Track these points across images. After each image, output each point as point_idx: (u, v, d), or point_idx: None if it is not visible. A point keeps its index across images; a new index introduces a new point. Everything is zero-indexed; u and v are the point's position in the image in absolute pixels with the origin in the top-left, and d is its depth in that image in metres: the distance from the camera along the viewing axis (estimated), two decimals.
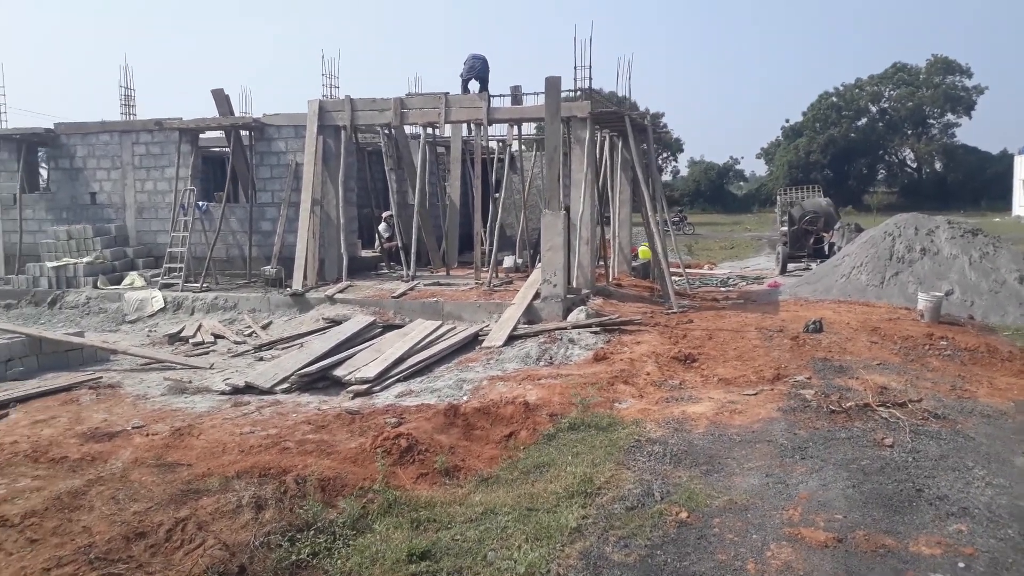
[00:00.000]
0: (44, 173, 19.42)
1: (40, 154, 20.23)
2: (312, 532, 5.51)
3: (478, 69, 15.32)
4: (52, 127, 17.95)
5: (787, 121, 69.23)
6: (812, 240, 21.16)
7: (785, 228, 22.02)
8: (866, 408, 7.53)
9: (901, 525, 5.07)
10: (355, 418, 8.12)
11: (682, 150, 71.78)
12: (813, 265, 20.18)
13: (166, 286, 15.74)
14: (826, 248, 20.78)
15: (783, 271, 20.87)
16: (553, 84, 12.91)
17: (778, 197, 24.96)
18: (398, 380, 9.74)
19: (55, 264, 16.27)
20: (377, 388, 9.39)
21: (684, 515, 5.28)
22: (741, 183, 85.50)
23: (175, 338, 13.09)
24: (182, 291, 15.40)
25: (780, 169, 64.33)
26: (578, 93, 14.41)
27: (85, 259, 16.34)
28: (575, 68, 14.11)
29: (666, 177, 73.22)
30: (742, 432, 7.12)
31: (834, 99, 66.32)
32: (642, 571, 4.62)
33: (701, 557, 4.73)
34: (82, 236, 16.82)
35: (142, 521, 5.76)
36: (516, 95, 15.18)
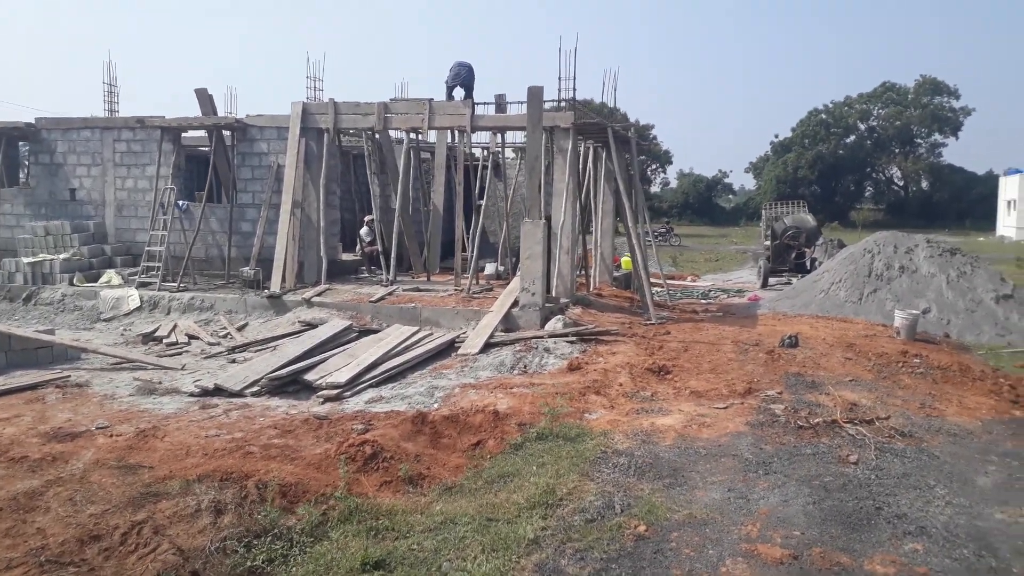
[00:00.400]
0: (24, 168, 19.21)
1: (23, 148, 20.07)
2: (269, 538, 5.46)
3: (463, 76, 15.31)
4: (33, 121, 17.81)
5: (776, 136, 69.75)
6: (794, 255, 21.25)
7: (768, 242, 22.12)
8: (834, 424, 7.55)
9: (858, 543, 5.06)
10: (323, 424, 8.06)
11: (671, 162, 72.16)
12: (794, 280, 20.25)
13: (143, 285, 15.61)
14: (808, 263, 20.87)
15: (764, 285, 20.94)
16: (535, 94, 12.92)
17: (763, 211, 25.04)
18: (370, 386, 9.67)
19: (31, 260, 16.11)
20: (348, 393, 9.32)
21: (642, 528, 5.26)
22: (730, 196, 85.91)
23: (149, 338, 12.98)
24: (159, 290, 15.27)
25: (768, 184, 64.69)
26: (562, 104, 14.43)
27: (62, 255, 16.19)
28: (559, 79, 14.16)
29: (655, 188, 73.51)
30: (708, 445, 7.11)
31: (823, 116, 66.83)
32: None
33: (655, 572, 4.71)
34: (60, 232, 16.67)
35: (98, 524, 5.68)
36: (500, 103, 15.18)
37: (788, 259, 21.37)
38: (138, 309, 14.86)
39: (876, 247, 15.78)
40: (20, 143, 18.77)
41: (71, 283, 15.83)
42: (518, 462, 6.78)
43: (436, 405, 8.73)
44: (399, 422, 7.76)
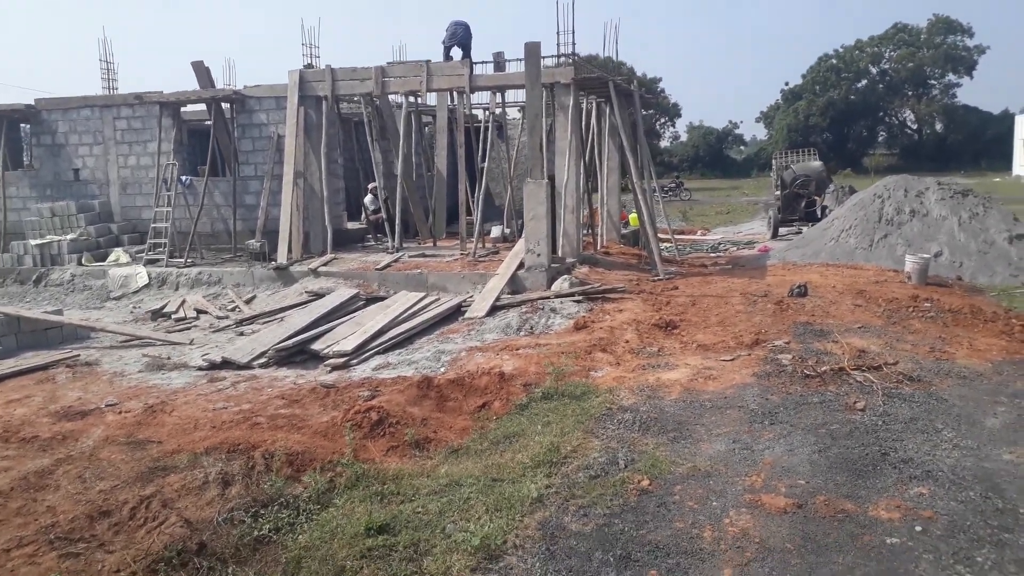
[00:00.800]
0: (27, 150, 19.19)
1: (24, 130, 20.03)
2: (276, 507, 5.49)
3: (460, 36, 15.05)
4: (33, 103, 17.74)
5: (786, 84, 68.44)
6: (804, 204, 20.97)
7: (778, 192, 21.83)
8: (841, 372, 7.48)
9: (863, 489, 5.03)
10: (329, 392, 8.09)
11: (680, 115, 71.09)
12: (804, 229, 20.02)
13: (151, 262, 15.66)
14: (818, 212, 20.59)
15: (774, 235, 20.72)
16: (532, 50, 12.69)
17: (774, 161, 24.66)
18: (377, 353, 9.68)
19: (39, 242, 16.18)
20: (355, 361, 9.34)
21: (646, 483, 5.24)
22: (741, 147, 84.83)
23: (158, 314, 13.04)
24: (166, 267, 15.32)
25: (779, 133, 63.72)
26: (562, 59, 14.18)
27: (69, 236, 16.24)
28: (558, 33, 13.89)
29: (664, 143, 72.67)
30: (714, 398, 7.07)
31: (833, 61, 65.44)
32: (598, 540, 4.58)
33: (658, 525, 4.70)
34: (66, 213, 16.70)
35: (107, 500, 5.74)
36: (499, 62, 14.97)
37: (798, 208, 21.10)
38: (147, 286, 14.92)
39: (886, 192, 15.53)
40: (22, 125, 18.69)
41: (79, 263, 15.90)
42: (523, 422, 6.78)
43: (443, 369, 8.73)
44: (405, 387, 7.77)
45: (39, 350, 10.65)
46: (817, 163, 22.60)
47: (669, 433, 6.25)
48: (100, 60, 17.56)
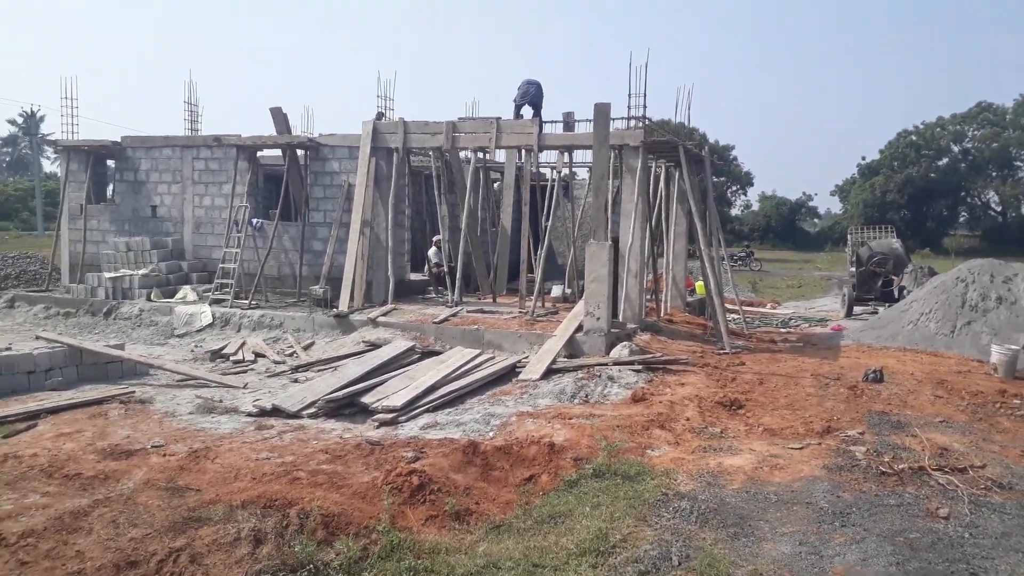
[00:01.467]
0: (111, 185, 19.90)
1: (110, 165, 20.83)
2: (305, 573, 5.23)
3: (532, 95, 15.08)
4: (119, 140, 18.44)
5: (863, 159, 67.17)
6: (880, 283, 20.13)
7: (853, 269, 21.06)
8: (921, 472, 6.88)
9: None
10: (374, 449, 7.84)
11: (752, 184, 70.24)
12: (881, 309, 19.17)
13: (216, 301, 15.88)
14: (895, 292, 19.72)
15: (848, 314, 19.90)
16: (602, 111, 12.56)
17: (849, 236, 23.87)
18: (426, 410, 9.43)
19: (112, 275, 16.61)
20: (403, 418, 9.10)
21: None
22: (815, 220, 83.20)
23: (217, 355, 13.11)
24: (231, 307, 15.49)
25: (855, 208, 62.28)
26: (632, 121, 14.03)
27: (141, 271, 16.63)
28: (629, 96, 13.76)
29: (735, 211, 71.81)
30: (780, 491, 6.56)
31: (913, 138, 64.00)
32: None
33: None
34: (140, 248, 17.15)
35: (136, 549, 5.57)
36: (568, 122, 14.88)
37: (874, 287, 20.26)
38: (210, 325, 15.09)
39: (970, 276, 14.73)
40: (108, 161, 19.45)
41: (148, 298, 16.23)
42: (571, 501, 6.38)
43: (491, 434, 8.41)
44: (450, 451, 7.47)
45: (98, 383, 10.75)
46: (895, 241, 21.76)
47: (729, 528, 5.77)
48: (185, 102, 18.24)
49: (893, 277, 20.10)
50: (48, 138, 61.10)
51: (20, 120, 78.30)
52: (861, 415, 9.08)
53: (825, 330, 17.90)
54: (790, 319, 20.37)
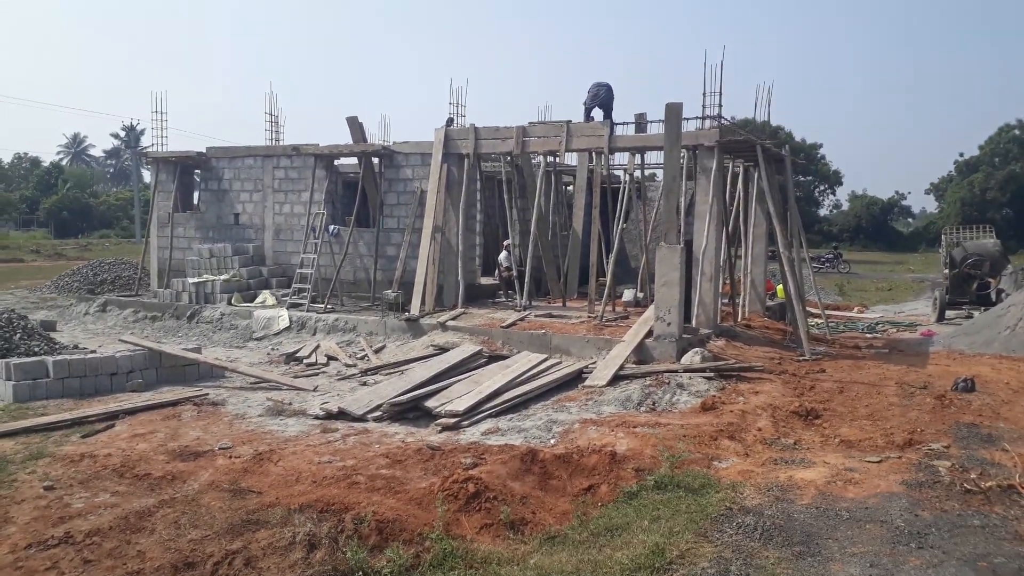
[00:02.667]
0: (196, 194, 20.67)
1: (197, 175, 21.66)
2: None
3: (602, 97, 14.89)
4: (204, 151, 19.14)
5: (961, 155, 63.94)
6: (975, 286, 19.00)
7: (947, 271, 19.97)
8: (1011, 490, 6.37)
9: None
10: (434, 455, 7.81)
11: (841, 183, 67.78)
12: (976, 313, 18.10)
13: (294, 306, 16.25)
14: (992, 295, 18.59)
15: (940, 318, 18.87)
16: (673, 110, 12.25)
17: (943, 237, 22.65)
18: (489, 415, 9.36)
19: (196, 280, 17.23)
20: (466, 423, 9.05)
21: None
22: (909, 220, 79.72)
23: (291, 357, 13.40)
24: (307, 311, 15.83)
25: (952, 207, 59.29)
26: (707, 121, 13.66)
27: (223, 277, 17.19)
28: (704, 95, 13.40)
29: (823, 211, 69.49)
30: (853, 507, 6.18)
31: (1016, 132, 60.49)
32: None
33: None
34: (222, 255, 17.74)
35: (194, 551, 5.66)
36: (640, 123, 14.65)
37: (969, 290, 19.14)
38: (287, 329, 15.45)
39: None
40: (194, 171, 20.22)
41: (229, 303, 16.76)
42: (630, 513, 6.18)
43: (552, 441, 8.26)
44: (509, 458, 7.35)
45: (176, 385, 11.12)
46: (992, 241, 20.51)
47: (795, 546, 5.46)
48: (266, 112, 18.76)
49: (990, 279, 18.96)
50: (146, 150, 64.31)
51: (123, 134, 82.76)
52: (948, 427, 8.53)
53: (914, 335, 17.03)
54: (877, 324, 19.47)
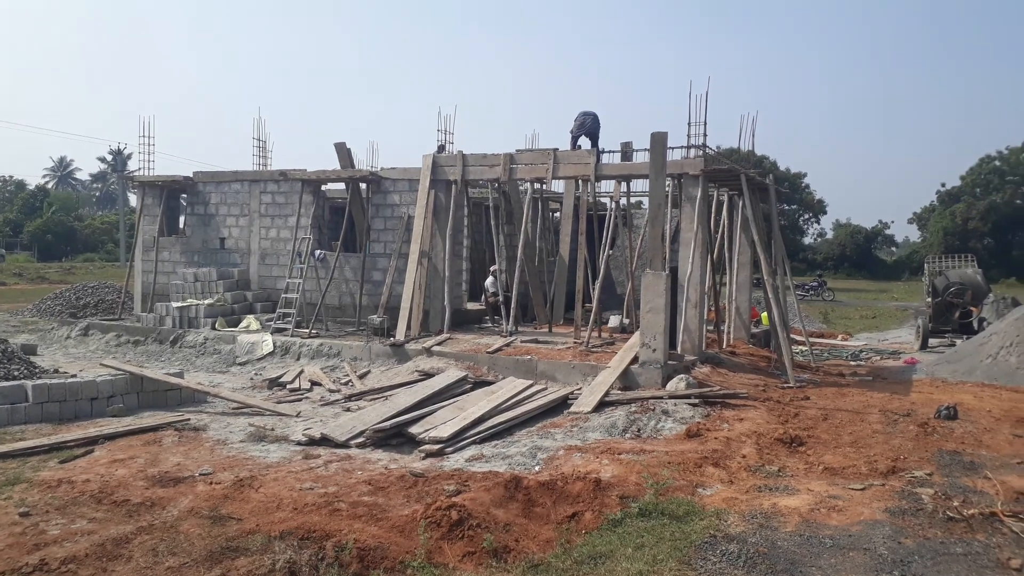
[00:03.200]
0: (182, 218, 20.60)
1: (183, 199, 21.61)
2: None
3: (588, 125, 15.05)
4: (191, 175, 19.12)
5: (943, 185, 64.78)
6: (958, 314, 19.17)
7: (929, 299, 20.14)
8: (993, 517, 6.39)
9: None
10: (417, 481, 7.75)
11: (825, 212, 68.48)
12: (958, 342, 18.24)
13: (278, 330, 16.17)
14: (974, 324, 18.76)
15: (923, 346, 18.99)
16: (658, 140, 12.38)
17: (926, 265, 22.86)
18: (473, 442, 9.31)
19: (180, 304, 17.12)
20: (450, 449, 9.00)
21: None
22: (892, 249, 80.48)
23: (274, 383, 13.30)
24: (292, 336, 15.75)
25: (935, 236, 59.99)
26: (691, 150, 13.80)
27: (207, 301, 17.09)
28: (689, 124, 13.56)
29: (808, 239, 70.12)
30: (837, 535, 6.17)
31: (997, 163, 61.43)
32: None
33: None
34: (207, 279, 17.66)
35: None
36: (626, 151, 14.76)
37: (951, 319, 19.31)
38: (271, 354, 15.35)
39: None
40: (181, 195, 20.18)
41: (213, 327, 16.65)
42: (614, 541, 6.14)
43: (537, 468, 8.22)
44: (492, 485, 7.30)
45: (158, 410, 11.01)
46: (974, 270, 20.73)
47: (778, 574, 5.45)
48: (254, 137, 18.80)
49: (972, 308, 19.14)
50: (132, 174, 64.20)
51: (109, 158, 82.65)
52: (931, 455, 8.56)
53: (898, 363, 17.12)
54: (861, 351, 19.57)
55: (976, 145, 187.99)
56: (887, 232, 73.43)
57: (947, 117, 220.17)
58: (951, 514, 6.50)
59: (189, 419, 10.33)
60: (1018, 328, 14.10)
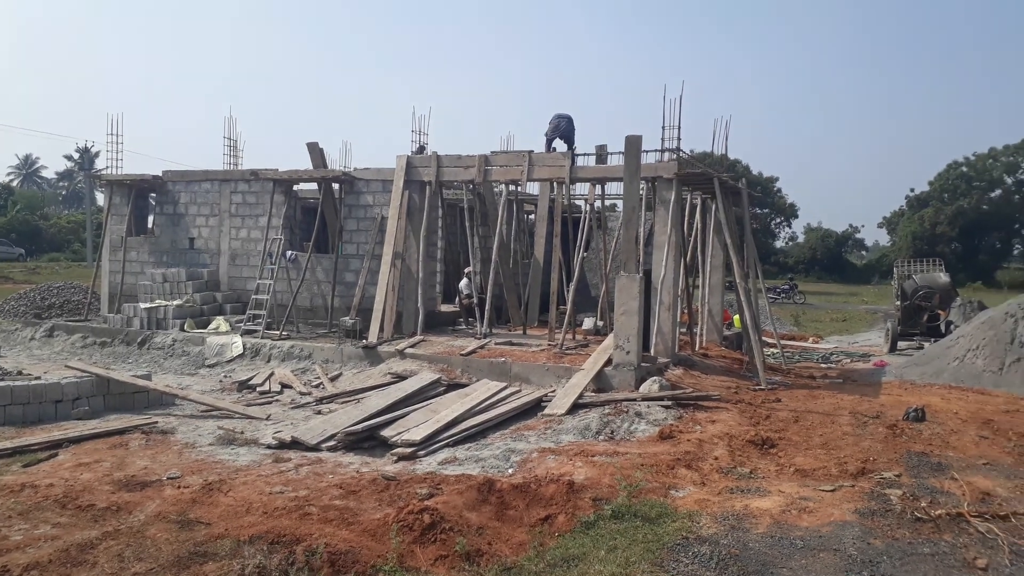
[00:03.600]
0: (151, 217, 20.30)
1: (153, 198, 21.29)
2: None
3: (563, 128, 15.07)
4: (160, 174, 18.85)
5: (912, 190, 65.79)
6: (926, 317, 19.48)
7: (898, 303, 20.44)
8: (960, 518, 6.47)
9: None
10: (390, 485, 7.69)
11: (797, 215, 69.31)
12: (926, 345, 18.52)
13: (248, 332, 15.97)
14: (942, 327, 19.07)
15: (892, 349, 19.26)
16: (633, 143, 12.42)
17: (895, 269, 23.20)
18: (446, 445, 9.26)
19: (148, 305, 16.85)
20: (422, 452, 8.94)
21: None
22: (862, 252, 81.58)
23: (244, 385, 13.14)
24: (262, 338, 15.57)
25: (903, 240, 60.92)
26: (666, 154, 13.87)
27: (175, 302, 16.85)
28: (663, 128, 13.63)
29: (779, 243, 70.88)
30: (807, 536, 6.22)
31: (964, 169, 62.51)
32: None
33: None
34: (176, 279, 17.41)
35: None
36: (600, 154, 14.79)
37: (920, 322, 19.61)
38: (240, 356, 15.16)
39: (1020, 311, 14.12)
40: (150, 194, 19.88)
41: (182, 329, 16.41)
42: (587, 543, 6.13)
43: (510, 470, 8.19)
44: (465, 488, 7.26)
45: (125, 413, 10.82)
46: (942, 275, 21.08)
47: (750, 575, 5.46)
48: (225, 136, 18.58)
49: (939, 311, 19.46)
50: (100, 173, 63.20)
51: (76, 156, 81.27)
52: (899, 456, 8.66)
53: (867, 366, 17.35)
54: (831, 354, 19.80)
55: (944, 151, 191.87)
56: (857, 236, 74.58)
57: (916, 124, 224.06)
58: (919, 515, 6.58)
59: (157, 422, 10.16)
60: (984, 331, 14.33)
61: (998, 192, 61.86)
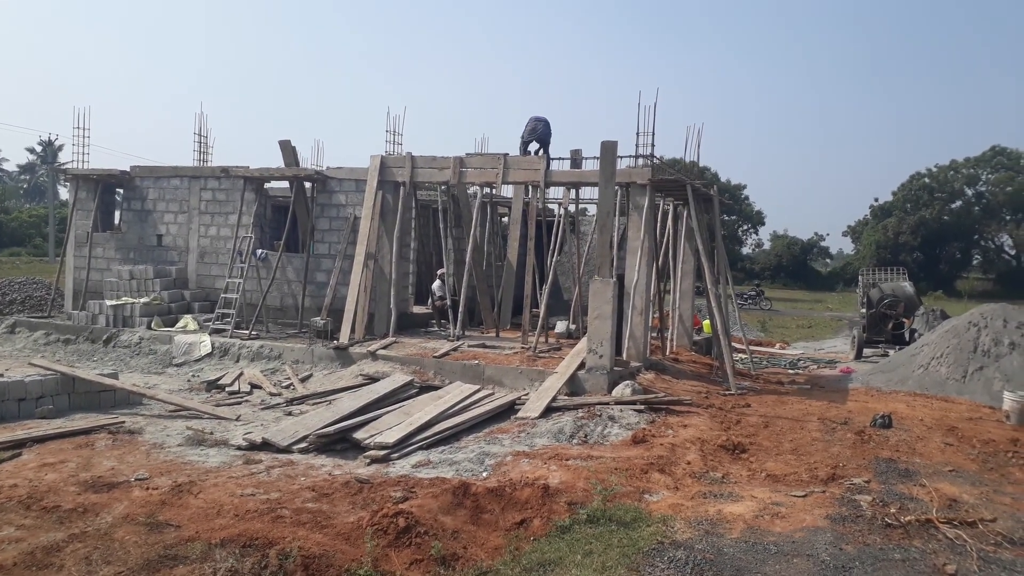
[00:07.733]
0: (118, 213, 19.93)
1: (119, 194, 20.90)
2: None
3: (539, 132, 15.08)
4: (128, 169, 18.52)
5: (876, 200, 67.10)
6: (891, 325, 19.82)
7: (864, 311, 20.77)
8: (928, 524, 6.59)
9: None
10: (363, 488, 7.62)
11: (763, 223, 70.20)
12: (891, 352, 18.85)
13: (217, 331, 15.75)
14: (907, 335, 19.42)
15: (858, 356, 19.57)
16: (608, 148, 12.48)
17: (860, 277, 23.59)
18: (419, 448, 9.21)
19: (114, 303, 16.54)
20: (395, 455, 8.88)
21: None
22: (827, 260, 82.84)
23: (213, 385, 12.94)
24: (231, 337, 15.36)
25: (867, 249, 62.06)
26: (639, 159, 13.95)
27: (143, 300, 16.56)
28: (637, 134, 13.70)
29: (746, 250, 71.68)
30: (781, 541, 6.28)
31: (926, 180, 63.86)
32: None
33: None
34: (143, 277, 17.11)
35: None
36: (576, 159, 14.83)
37: (885, 329, 19.95)
38: (209, 355, 14.94)
39: (983, 320, 14.44)
40: (117, 190, 19.52)
41: (149, 327, 16.13)
42: (563, 548, 6.14)
43: (485, 474, 8.17)
44: (440, 492, 7.23)
45: (90, 412, 10.60)
46: (907, 283, 21.46)
47: None
48: (195, 133, 18.31)
49: (904, 320, 19.80)
50: (64, 167, 61.97)
51: (39, 148, 79.56)
52: (868, 462, 8.79)
53: (834, 372, 17.59)
54: (799, 360, 20.06)
55: (907, 162, 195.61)
56: (822, 244, 75.72)
57: (880, 135, 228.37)
58: (889, 521, 6.68)
59: (124, 422, 9.96)
60: (948, 340, 14.62)
61: (959, 203, 63.29)
